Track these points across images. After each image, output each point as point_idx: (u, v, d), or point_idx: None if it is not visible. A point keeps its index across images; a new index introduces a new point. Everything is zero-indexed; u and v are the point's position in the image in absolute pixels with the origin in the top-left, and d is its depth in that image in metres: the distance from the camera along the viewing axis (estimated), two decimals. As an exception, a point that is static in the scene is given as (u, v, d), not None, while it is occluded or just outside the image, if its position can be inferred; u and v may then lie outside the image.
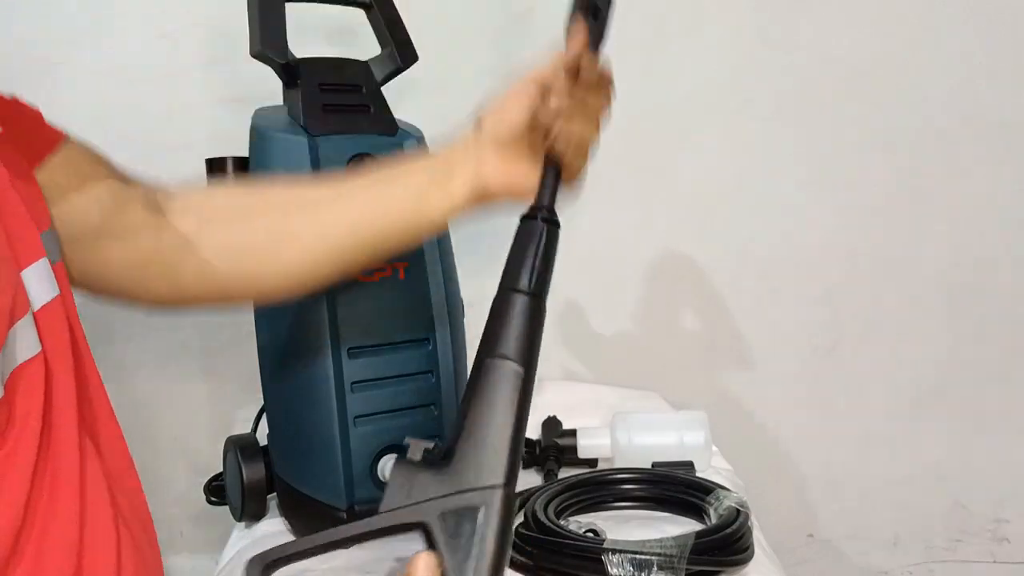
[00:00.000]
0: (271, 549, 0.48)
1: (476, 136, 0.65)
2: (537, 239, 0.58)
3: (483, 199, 0.65)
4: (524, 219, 0.59)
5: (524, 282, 0.57)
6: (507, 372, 0.56)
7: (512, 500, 0.50)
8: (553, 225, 0.58)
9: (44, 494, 0.51)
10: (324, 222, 0.67)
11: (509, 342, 0.57)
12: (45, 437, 0.51)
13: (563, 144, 0.60)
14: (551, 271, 0.58)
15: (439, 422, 0.81)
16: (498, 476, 0.50)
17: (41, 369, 0.51)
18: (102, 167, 0.67)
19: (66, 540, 0.51)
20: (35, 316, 0.52)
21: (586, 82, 0.61)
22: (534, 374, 0.58)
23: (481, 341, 0.57)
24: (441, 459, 0.50)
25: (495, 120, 0.64)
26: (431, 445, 0.51)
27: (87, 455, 0.54)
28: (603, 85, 0.63)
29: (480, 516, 0.49)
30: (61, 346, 0.54)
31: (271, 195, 0.70)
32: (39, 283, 0.53)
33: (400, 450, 0.52)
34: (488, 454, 0.51)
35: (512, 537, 0.51)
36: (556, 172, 0.61)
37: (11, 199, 0.53)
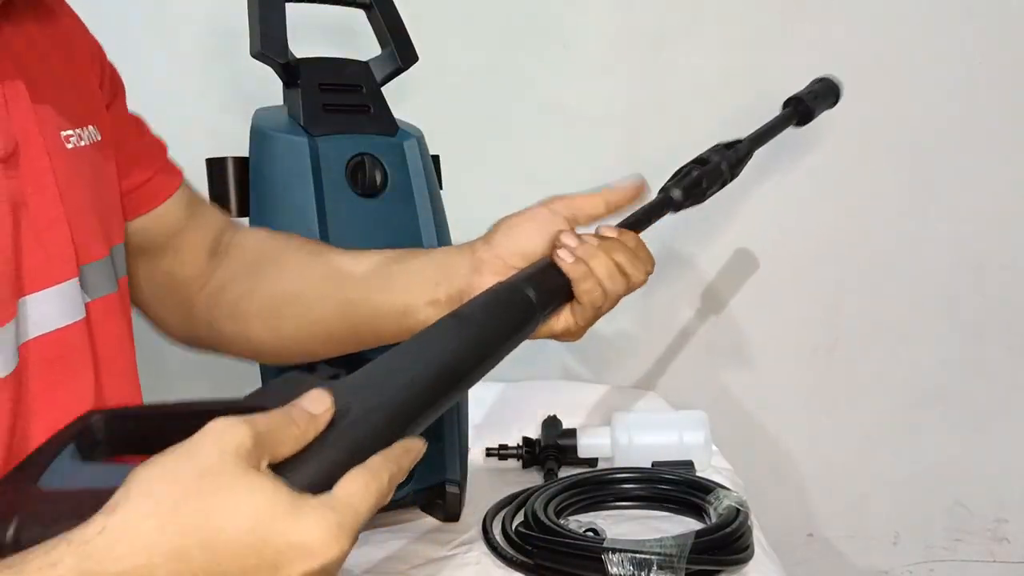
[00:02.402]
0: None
1: (482, 250, 0.63)
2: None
3: None
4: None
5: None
6: (444, 320, 0.54)
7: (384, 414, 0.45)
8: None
9: None
10: (317, 309, 0.68)
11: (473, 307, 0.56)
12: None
13: (590, 289, 0.60)
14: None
15: (439, 420, 0.81)
16: (379, 392, 0.45)
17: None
18: (207, 208, 0.75)
19: None
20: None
21: (633, 248, 0.63)
22: (489, 348, 0.54)
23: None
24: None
25: (507, 241, 0.62)
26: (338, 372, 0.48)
27: None
28: (645, 257, 0.64)
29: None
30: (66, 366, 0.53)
31: (287, 267, 0.71)
32: (48, 308, 0.53)
33: None
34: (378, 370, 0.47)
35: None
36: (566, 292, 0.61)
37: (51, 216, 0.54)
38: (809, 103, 0.88)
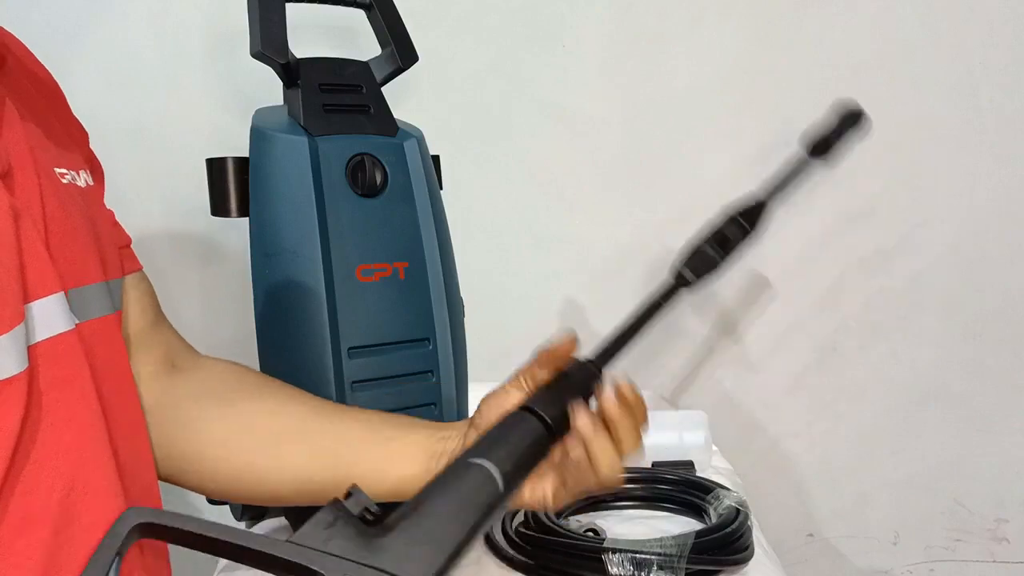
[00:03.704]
0: (156, 511, 0.44)
1: (469, 431, 0.63)
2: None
3: None
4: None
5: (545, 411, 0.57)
6: (487, 478, 0.51)
7: None
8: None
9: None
10: (294, 448, 0.66)
11: (503, 456, 0.53)
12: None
13: (579, 461, 0.59)
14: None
15: (439, 420, 0.81)
16: (420, 572, 0.44)
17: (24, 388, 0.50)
18: (167, 321, 0.74)
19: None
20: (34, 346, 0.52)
21: (620, 406, 0.62)
22: (508, 500, 0.53)
23: (475, 443, 0.54)
24: (375, 524, 0.46)
25: (492, 416, 0.61)
26: (374, 507, 0.46)
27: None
28: (638, 404, 0.63)
29: None
30: (67, 375, 0.54)
31: (267, 405, 0.69)
32: (50, 313, 0.53)
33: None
34: (423, 546, 0.45)
35: None
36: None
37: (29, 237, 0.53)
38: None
